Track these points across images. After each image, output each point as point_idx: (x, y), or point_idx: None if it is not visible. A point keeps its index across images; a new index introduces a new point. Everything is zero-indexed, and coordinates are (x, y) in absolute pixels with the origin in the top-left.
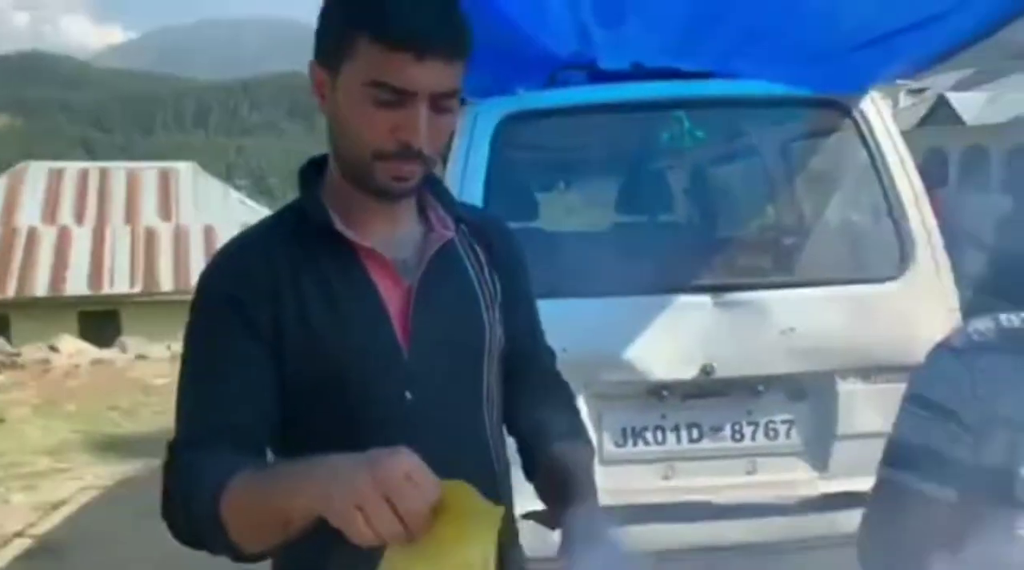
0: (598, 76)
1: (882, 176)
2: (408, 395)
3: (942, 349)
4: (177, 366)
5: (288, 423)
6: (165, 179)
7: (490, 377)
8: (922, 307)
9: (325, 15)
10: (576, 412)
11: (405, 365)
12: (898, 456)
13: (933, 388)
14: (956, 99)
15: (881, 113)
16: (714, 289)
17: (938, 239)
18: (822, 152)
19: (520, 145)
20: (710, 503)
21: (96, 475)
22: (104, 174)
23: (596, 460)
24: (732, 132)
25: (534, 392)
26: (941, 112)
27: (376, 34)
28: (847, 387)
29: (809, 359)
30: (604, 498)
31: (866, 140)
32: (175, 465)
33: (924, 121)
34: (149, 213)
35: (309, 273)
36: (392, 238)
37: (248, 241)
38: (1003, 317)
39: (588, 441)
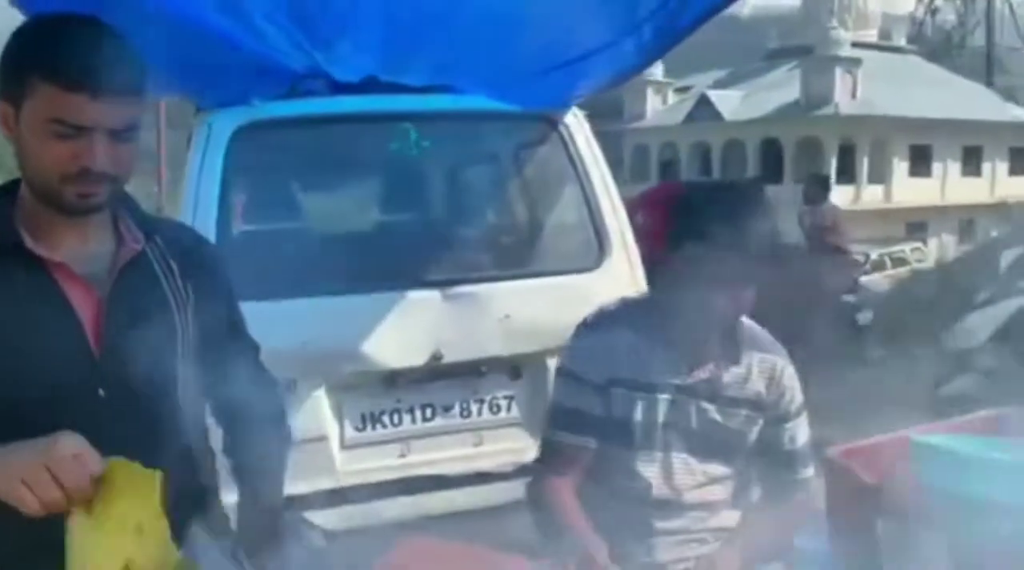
0: (338, 87)
1: (583, 181)
2: (101, 392)
3: (581, 327)
4: None
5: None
6: None
7: (186, 372)
8: (616, 293)
9: (5, 55)
10: (275, 398)
11: (97, 366)
12: (554, 419)
13: (574, 359)
14: (716, 96)
15: (582, 126)
16: (441, 284)
17: (630, 236)
18: (533, 160)
19: (254, 153)
20: (443, 475)
21: None
22: None
23: (337, 444)
24: (455, 142)
25: (236, 382)
26: (704, 109)
27: (51, 77)
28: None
29: (524, 342)
30: (347, 479)
31: (569, 150)
32: None
33: (689, 117)
34: None
35: (0, 288)
36: (84, 252)
37: None
38: (630, 296)
39: (281, 426)
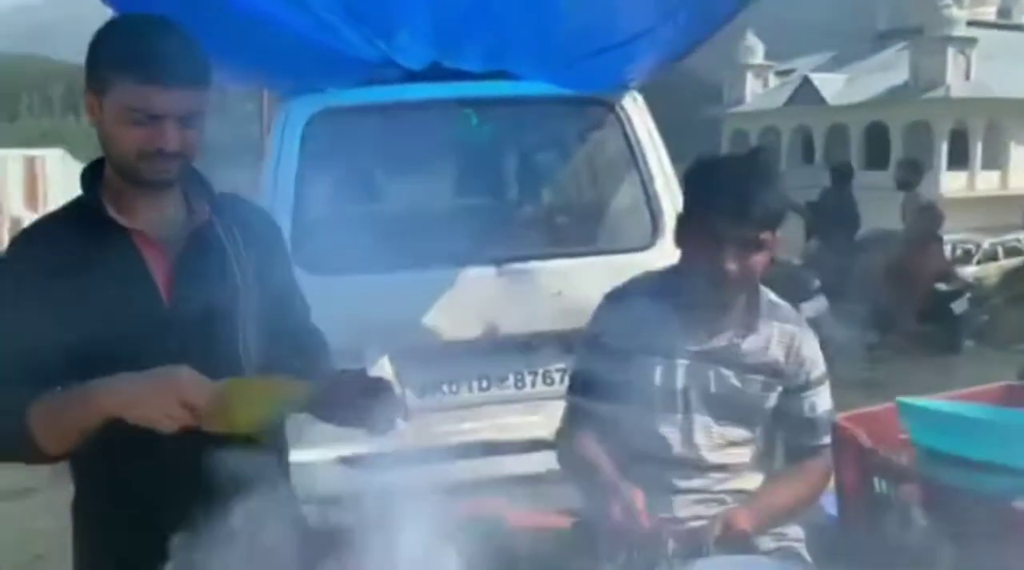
0: (410, 75)
1: (638, 162)
2: (170, 344)
3: (605, 298)
4: None
5: (74, 364)
6: (31, 167)
7: (246, 332)
8: None
9: (91, 53)
10: (325, 350)
11: (168, 320)
12: (575, 384)
13: (598, 327)
14: (819, 79)
15: (640, 110)
16: (497, 261)
17: None
18: (590, 143)
19: (327, 139)
20: (497, 442)
21: None
22: None
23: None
24: (515, 126)
25: (293, 338)
26: (806, 92)
27: (128, 72)
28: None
29: (575, 317)
30: (407, 442)
31: (626, 132)
32: None
33: (791, 100)
34: (15, 203)
35: (86, 250)
36: (158, 221)
37: (39, 226)
38: (656, 269)
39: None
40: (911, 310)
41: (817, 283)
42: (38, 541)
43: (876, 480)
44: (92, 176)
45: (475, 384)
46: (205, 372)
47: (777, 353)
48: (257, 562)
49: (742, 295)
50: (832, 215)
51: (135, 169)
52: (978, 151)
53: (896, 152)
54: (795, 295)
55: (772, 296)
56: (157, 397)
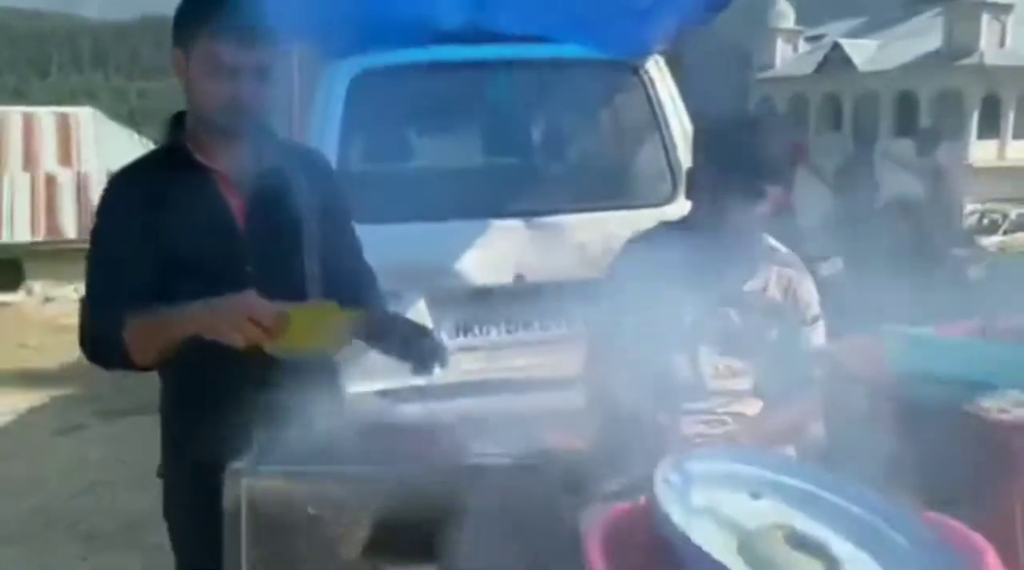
0: (448, 38)
1: (660, 124)
2: (248, 269)
3: (625, 245)
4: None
5: (166, 284)
6: (65, 124)
7: (310, 259)
8: None
9: (178, 13)
10: (372, 276)
11: (244, 247)
12: (598, 321)
13: (618, 271)
14: (849, 46)
15: (663, 73)
16: (525, 214)
17: None
18: (615, 104)
19: (369, 97)
20: (523, 380)
21: (9, 404)
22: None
23: None
24: (545, 86)
25: (349, 269)
26: (836, 58)
27: (210, 31)
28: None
29: (598, 267)
30: (440, 378)
31: (649, 94)
32: (88, 311)
33: (820, 67)
34: (49, 160)
35: (176, 187)
36: (234, 163)
37: (133, 168)
38: (670, 220)
39: (378, 290)
40: (926, 274)
41: (833, 244)
42: (90, 470)
43: (858, 399)
44: (176, 125)
45: (503, 327)
46: (273, 292)
47: (775, 293)
48: (316, 447)
49: (745, 241)
50: (853, 180)
51: (215, 118)
52: (1010, 120)
53: (925, 121)
54: (813, 256)
55: (772, 242)
56: (230, 317)
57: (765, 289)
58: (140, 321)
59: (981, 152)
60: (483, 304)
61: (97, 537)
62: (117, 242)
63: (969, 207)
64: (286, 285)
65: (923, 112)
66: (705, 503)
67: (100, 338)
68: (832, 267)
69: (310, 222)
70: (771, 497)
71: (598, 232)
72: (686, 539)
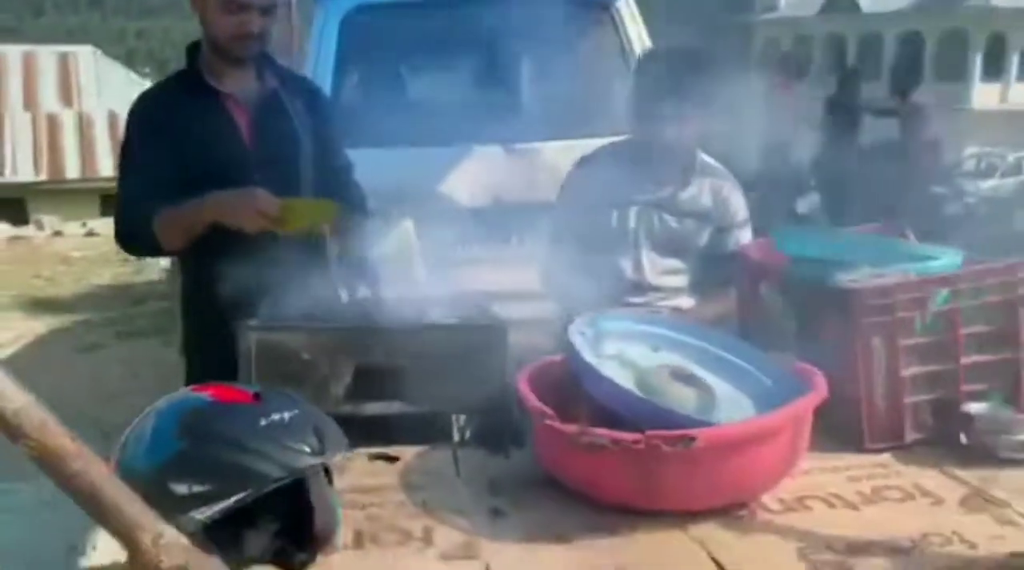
0: None
1: (628, 58)
2: (252, 176)
3: (576, 163)
4: (92, 241)
5: (184, 189)
6: (64, 64)
7: (305, 170)
8: None
9: None
10: (361, 193)
11: (249, 160)
12: (555, 229)
13: (569, 185)
14: None
15: (632, 11)
16: (503, 141)
17: None
18: (587, 39)
19: (361, 31)
20: (502, 290)
21: (29, 327)
22: None
23: (420, 261)
24: (522, 24)
25: (338, 182)
26: None
27: None
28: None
29: None
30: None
31: (618, 30)
32: (121, 208)
33: (824, 8)
34: (49, 99)
35: (191, 108)
36: (241, 86)
37: (156, 89)
38: (618, 140)
39: (366, 207)
40: (904, 210)
41: (812, 182)
42: (110, 384)
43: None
44: (192, 53)
45: (483, 244)
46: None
47: (707, 201)
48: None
49: (679, 156)
50: (836, 119)
51: (226, 47)
52: (1014, 63)
53: (930, 63)
54: (791, 191)
55: (706, 158)
56: (242, 207)
57: (698, 197)
58: (167, 212)
59: (983, 96)
60: (465, 223)
61: (118, 438)
62: (144, 151)
63: (968, 150)
64: (286, 192)
65: (927, 54)
66: (612, 352)
67: (134, 231)
68: (809, 204)
69: (306, 140)
70: (667, 349)
71: (569, 158)
72: (591, 368)
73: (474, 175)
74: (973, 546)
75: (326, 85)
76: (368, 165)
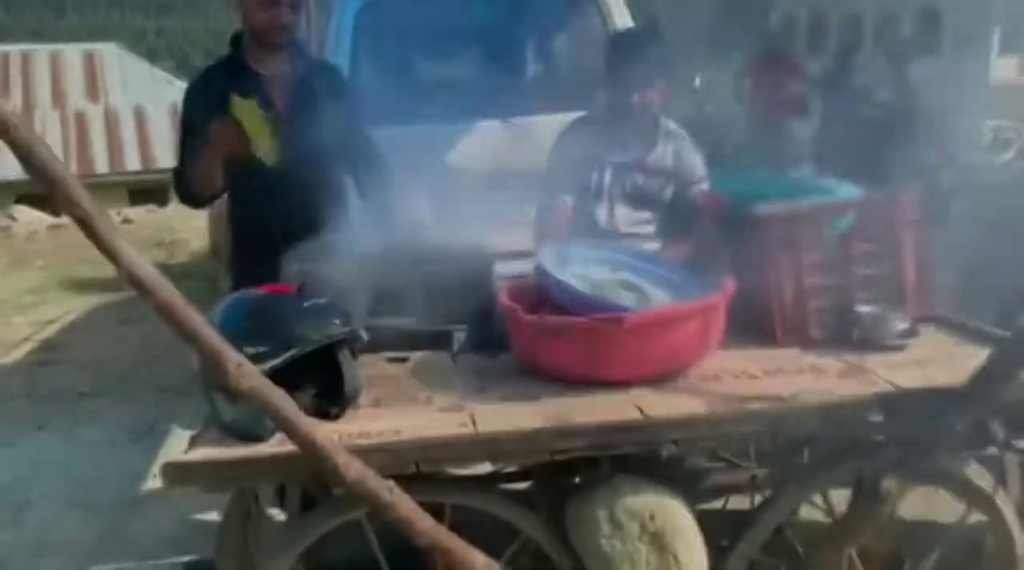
0: None
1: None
2: (290, 144)
3: (562, 131)
4: (127, 228)
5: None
6: (90, 61)
7: (332, 141)
8: None
9: None
10: (383, 161)
11: (287, 131)
12: (547, 186)
13: (557, 149)
14: None
15: None
16: (502, 116)
17: None
18: (575, 19)
19: (374, 22)
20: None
21: (75, 304)
22: (26, 58)
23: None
24: (519, 9)
25: (362, 152)
26: None
27: None
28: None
29: None
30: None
31: (602, 10)
32: (179, 169)
33: None
34: (77, 96)
35: (235, 89)
36: (277, 70)
37: (205, 72)
38: (597, 110)
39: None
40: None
41: (806, 149)
42: (157, 347)
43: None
44: (235, 41)
45: (483, 205)
46: (308, 162)
47: (670, 162)
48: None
49: (645, 122)
50: (834, 91)
51: (262, 37)
52: None
53: (947, 36)
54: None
55: (671, 124)
56: (215, 141)
57: (663, 158)
58: (193, 165)
59: (1000, 69)
60: (468, 187)
61: (166, 390)
62: (197, 124)
63: (989, 123)
64: (317, 160)
65: (946, 27)
66: (578, 272)
67: (189, 186)
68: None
69: (330, 114)
70: (624, 271)
71: (560, 130)
72: (552, 277)
73: (475, 147)
74: (841, 397)
75: (344, 69)
76: (383, 141)
